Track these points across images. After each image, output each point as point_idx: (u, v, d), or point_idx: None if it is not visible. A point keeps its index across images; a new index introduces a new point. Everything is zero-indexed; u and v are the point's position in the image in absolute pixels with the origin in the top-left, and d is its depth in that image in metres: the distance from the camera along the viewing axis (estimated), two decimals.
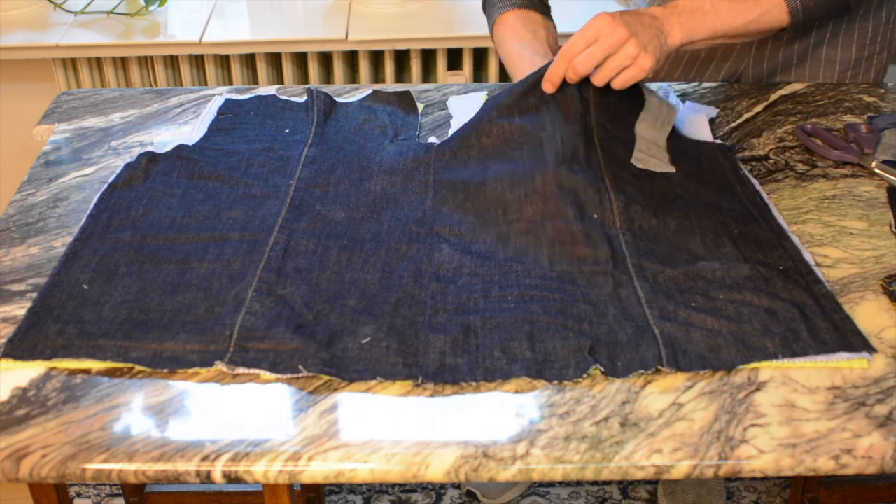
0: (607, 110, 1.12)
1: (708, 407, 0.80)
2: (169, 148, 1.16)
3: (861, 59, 1.36)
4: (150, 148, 1.16)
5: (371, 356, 0.84)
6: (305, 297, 0.91)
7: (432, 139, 1.19)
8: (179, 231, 1.01)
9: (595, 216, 1.01)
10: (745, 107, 1.29)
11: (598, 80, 1.08)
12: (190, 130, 1.24)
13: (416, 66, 1.97)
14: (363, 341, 0.85)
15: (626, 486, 1.82)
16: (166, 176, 1.10)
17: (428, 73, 2.04)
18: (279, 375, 0.83)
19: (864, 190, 1.11)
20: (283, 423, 0.79)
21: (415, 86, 1.36)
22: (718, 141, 1.19)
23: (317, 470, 0.76)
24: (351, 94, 1.32)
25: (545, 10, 1.33)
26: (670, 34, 1.10)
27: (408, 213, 1.04)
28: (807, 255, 0.97)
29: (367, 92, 1.32)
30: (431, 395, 0.82)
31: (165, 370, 0.84)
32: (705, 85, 1.36)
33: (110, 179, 1.10)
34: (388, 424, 0.79)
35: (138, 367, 0.84)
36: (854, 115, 1.27)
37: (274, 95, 1.30)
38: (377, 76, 2.02)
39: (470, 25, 1.93)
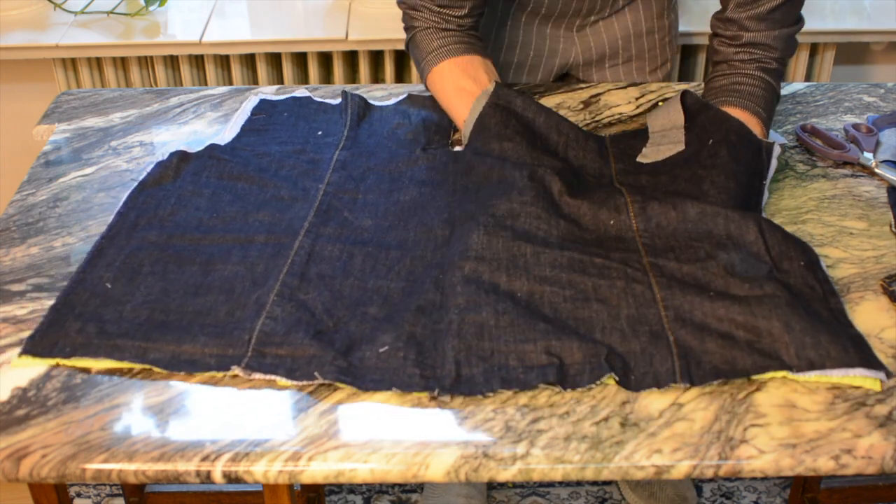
0: (629, 162, 1.13)
1: (708, 407, 0.80)
2: (200, 147, 1.15)
3: (671, 24, 1.42)
4: (182, 147, 1.15)
5: (388, 366, 0.83)
6: (326, 303, 0.90)
7: (458, 148, 1.18)
8: (205, 232, 1.01)
9: (611, 222, 0.98)
10: None
11: None
12: (191, 131, 1.24)
13: (416, 67, 1.96)
14: (381, 350, 0.84)
15: None
16: (196, 175, 1.10)
17: None
18: (295, 382, 0.82)
19: (864, 190, 1.11)
20: (283, 423, 0.79)
21: (415, 86, 1.36)
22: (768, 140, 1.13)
23: (317, 470, 0.76)
24: (384, 94, 1.32)
25: (480, 48, 1.23)
26: None
27: (433, 216, 1.03)
28: (822, 264, 0.94)
29: (402, 96, 1.31)
30: (431, 396, 0.82)
31: (182, 373, 0.84)
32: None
33: (141, 177, 1.09)
34: (388, 424, 0.79)
35: (140, 367, 0.84)
36: (854, 115, 1.27)
37: (308, 97, 1.29)
38: (377, 76, 2.02)
39: None
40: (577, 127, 1.16)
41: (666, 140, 1.12)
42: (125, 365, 0.85)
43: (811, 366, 0.82)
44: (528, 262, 0.92)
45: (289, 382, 0.83)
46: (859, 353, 0.83)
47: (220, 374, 0.84)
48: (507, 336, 0.85)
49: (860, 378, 0.82)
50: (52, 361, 0.85)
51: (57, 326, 0.87)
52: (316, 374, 0.82)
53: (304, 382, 0.82)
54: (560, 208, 1.00)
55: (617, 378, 0.82)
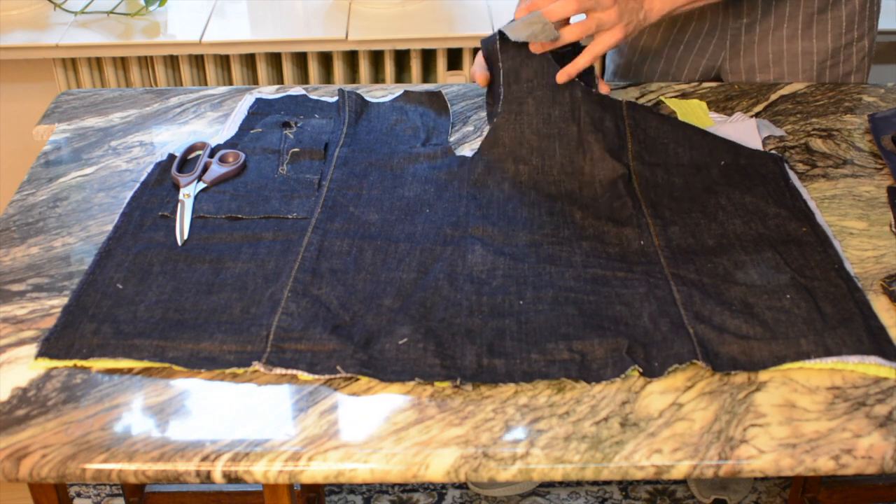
0: (644, 139, 1.14)
1: (708, 407, 0.80)
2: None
3: (839, 48, 1.37)
4: (169, 150, 1.15)
5: (409, 357, 0.84)
6: (341, 297, 0.91)
7: (465, 152, 1.18)
8: (213, 230, 1.01)
9: (634, 239, 1.00)
10: (745, 107, 1.29)
11: (569, 35, 1.09)
12: (191, 131, 1.24)
13: (416, 66, 1.96)
14: (400, 342, 0.85)
15: (626, 486, 1.83)
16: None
17: (428, 73, 2.04)
18: (317, 376, 0.83)
19: (864, 190, 1.11)
20: (283, 423, 0.79)
21: (415, 86, 1.36)
22: (772, 152, 1.16)
23: (317, 470, 0.76)
24: (384, 95, 1.32)
25: None
26: (650, 10, 1.13)
27: (442, 217, 1.04)
28: (847, 264, 0.96)
29: (398, 93, 1.31)
30: (431, 396, 0.82)
31: (203, 370, 0.84)
32: (705, 85, 1.36)
33: (142, 178, 1.10)
34: (388, 424, 0.79)
35: (140, 367, 0.84)
36: (854, 115, 1.27)
37: (304, 95, 1.30)
38: (377, 76, 2.02)
39: (470, 25, 1.93)
40: (594, 101, 1.14)
41: None
42: (128, 364, 0.85)
43: (828, 352, 0.84)
44: (552, 277, 0.94)
45: (310, 377, 0.83)
46: (876, 341, 0.85)
47: (241, 371, 0.84)
48: (529, 339, 0.86)
49: (875, 366, 0.83)
50: (70, 363, 0.85)
51: (72, 328, 0.87)
52: (338, 367, 0.83)
53: (326, 377, 0.83)
54: (584, 230, 1.01)
55: (641, 370, 0.83)
